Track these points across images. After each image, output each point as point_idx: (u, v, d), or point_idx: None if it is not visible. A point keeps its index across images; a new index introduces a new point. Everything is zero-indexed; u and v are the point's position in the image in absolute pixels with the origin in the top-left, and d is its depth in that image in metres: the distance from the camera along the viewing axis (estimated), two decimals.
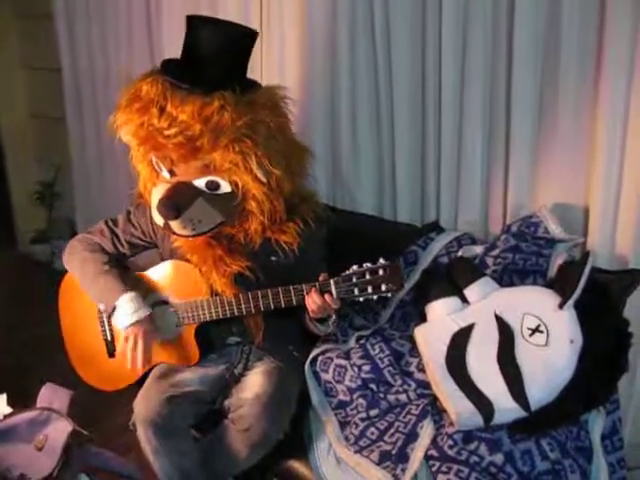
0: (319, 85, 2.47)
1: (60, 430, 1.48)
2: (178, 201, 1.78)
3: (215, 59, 1.77)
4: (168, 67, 1.81)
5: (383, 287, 1.79)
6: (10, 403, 1.82)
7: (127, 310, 1.86)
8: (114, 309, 1.88)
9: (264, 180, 1.78)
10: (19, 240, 4.46)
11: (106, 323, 2.01)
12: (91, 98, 3.47)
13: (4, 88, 4.17)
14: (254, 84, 1.90)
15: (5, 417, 1.62)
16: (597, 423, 1.74)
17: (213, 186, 1.80)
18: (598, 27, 1.87)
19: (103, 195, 3.61)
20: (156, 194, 1.82)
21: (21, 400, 1.73)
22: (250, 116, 1.72)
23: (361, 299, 1.81)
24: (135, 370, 1.93)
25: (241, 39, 1.84)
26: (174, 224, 1.81)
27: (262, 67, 2.58)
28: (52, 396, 1.58)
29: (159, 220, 1.83)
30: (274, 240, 1.92)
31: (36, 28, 3.94)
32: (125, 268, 2.05)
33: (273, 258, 1.94)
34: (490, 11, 2.04)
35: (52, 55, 3.62)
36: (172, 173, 1.81)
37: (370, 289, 1.79)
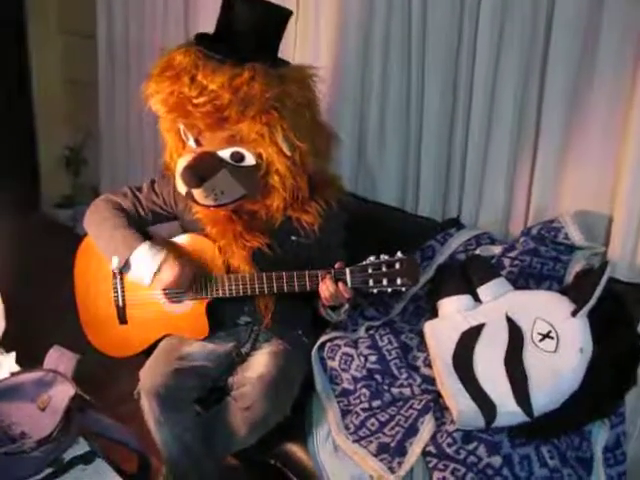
0: (351, 71, 2.46)
1: (63, 393, 1.49)
2: (202, 170, 1.79)
3: (248, 34, 1.78)
4: (202, 39, 1.83)
5: (398, 281, 1.78)
6: (19, 362, 1.85)
7: (146, 258, 1.85)
8: (126, 263, 1.87)
9: (289, 154, 1.78)
10: (43, 203, 4.50)
11: (119, 289, 2.02)
12: (124, 67, 3.49)
13: (41, 53, 4.20)
14: (284, 62, 1.90)
15: (12, 375, 1.64)
16: (600, 435, 1.72)
17: (238, 157, 1.81)
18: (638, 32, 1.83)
19: (129, 164, 3.63)
20: (181, 163, 1.83)
21: (30, 360, 1.75)
22: (279, 89, 1.73)
23: (375, 291, 1.80)
24: (147, 337, 1.94)
25: (276, 17, 1.85)
26: (196, 192, 1.82)
27: (295, 49, 2.57)
28: (59, 359, 1.60)
29: (182, 188, 1.84)
30: (295, 219, 1.93)
31: None
32: (146, 235, 2.06)
33: (293, 237, 1.94)
34: (529, 8, 2.00)
35: (89, 21, 3.64)
36: (198, 142, 1.83)
37: (385, 282, 1.78)
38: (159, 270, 1.85)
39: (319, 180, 1.97)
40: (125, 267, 1.89)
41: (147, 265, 1.86)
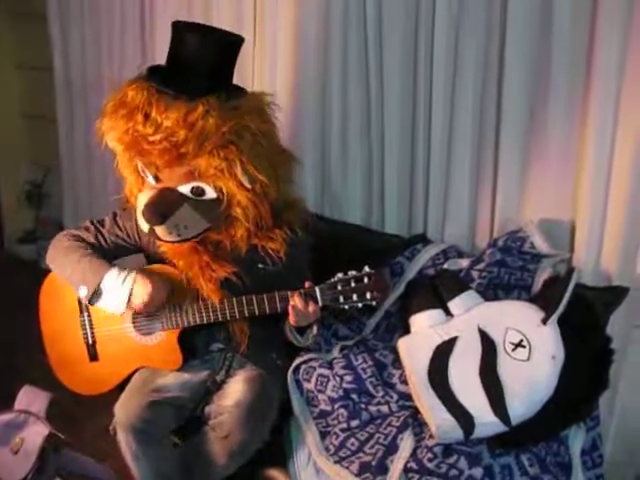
0: (310, 93, 2.47)
1: (37, 433, 1.47)
2: (163, 207, 1.78)
3: (200, 65, 1.77)
4: (154, 73, 1.81)
5: (368, 295, 1.79)
6: None
7: (117, 284, 1.83)
8: (96, 292, 1.84)
9: (249, 186, 1.78)
10: (6, 239, 4.43)
11: (87, 326, 1.99)
12: (82, 100, 3.46)
13: None
14: (240, 90, 1.90)
15: None
16: (577, 439, 1.74)
17: (198, 192, 1.80)
18: (588, 41, 1.88)
19: (91, 197, 3.59)
20: (142, 200, 1.82)
21: (1, 402, 1.72)
22: (235, 121, 1.72)
23: (346, 307, 1.81)
24: (119, 371, 1.91)
25: (226, 45, 1.84)
26: (159, 230, 1.80)
27: (254, 73, 2.58)
28: (30, 399, 1.57)
29: (144, 226, 1.82)
30: (261, 247, 1.92)
31: (31, 28, 3.92)
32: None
33: (260, 265, 1.93)
34: (483, 23, 2.04)
35: (46, 56, 3.61)
36: (157, 179, 1.81)
37: (355, 297, 1.79)
38: (131, 294, 1.83)
39: (282, 205, 1.96)
40: (95, 296, 1.86)
41: (119, 292, 1.83)
